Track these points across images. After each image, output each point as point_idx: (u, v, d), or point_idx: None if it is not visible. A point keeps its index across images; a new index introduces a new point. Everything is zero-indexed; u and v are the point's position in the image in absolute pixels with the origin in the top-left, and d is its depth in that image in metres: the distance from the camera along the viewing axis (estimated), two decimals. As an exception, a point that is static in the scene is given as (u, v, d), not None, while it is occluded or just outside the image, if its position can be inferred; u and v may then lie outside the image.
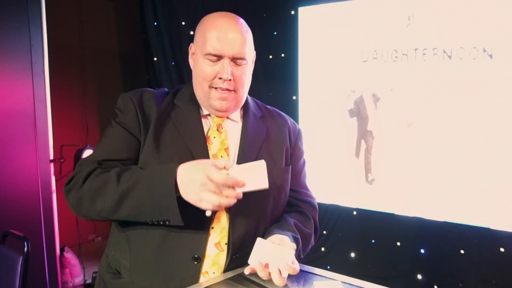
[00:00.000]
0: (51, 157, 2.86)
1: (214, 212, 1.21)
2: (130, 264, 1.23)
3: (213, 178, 1.05)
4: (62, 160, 3.22)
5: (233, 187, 1.08)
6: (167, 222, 1.11)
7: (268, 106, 1.45)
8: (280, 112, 1.46)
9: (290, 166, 1.38)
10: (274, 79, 3.52)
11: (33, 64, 2.74)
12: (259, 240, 1.15)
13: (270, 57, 3.54)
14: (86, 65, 4.20)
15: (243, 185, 1.08)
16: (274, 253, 1.12)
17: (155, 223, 1.13)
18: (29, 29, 2.71)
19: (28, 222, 2.71)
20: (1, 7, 2.60)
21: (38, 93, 2.75)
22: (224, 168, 1.10)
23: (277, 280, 1.10)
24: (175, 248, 1.19)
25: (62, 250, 3.25)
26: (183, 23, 3.74)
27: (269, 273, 1.11)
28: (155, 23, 3.86)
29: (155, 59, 3.88)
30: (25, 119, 2.72)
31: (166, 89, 1.36)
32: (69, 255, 3.34)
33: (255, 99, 1.44)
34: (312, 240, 1.39)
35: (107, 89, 4.38)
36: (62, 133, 3.64)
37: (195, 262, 1.19)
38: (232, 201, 1.07)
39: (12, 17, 2.65)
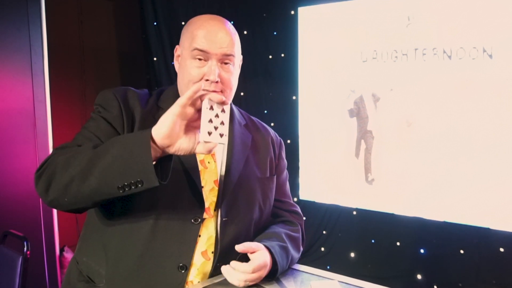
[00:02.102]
0: (51, 157, 2.85)
1: (201, 220, 1.19)
2: (107, 272, 1.17)
3: (181, 101, 1.01)
4: (62, 160, 3.21)
5: None
6: (139, 186, 0.99)
7: (251, 116, 1.44)
8: (262, 122, 1.45)
9: (275, 176, 1.38)
10: (274, 79, 3.52)
11: (33, 64, 2.73)
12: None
13: (270, 57, 3.53)
14: (86, 65, 4.19)
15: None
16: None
17: (126, 190, 1.00)
18: (28, 29, 2.71)
19: (28, 222, 2.70)
20: (1, 7, 2.60)
21: (37, 93, 2.75)
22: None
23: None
24: (160, 256, 1.15)
25: (61, 250, 3.24)
26: (183, 23, 3.72)
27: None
28: (155, 23, 3.86)
29: (154, 59, 3.88)
30: (25, 119, 2.72)
31: (147, 90, 1.31)
32: (69, 255, 3.34)
33: (238, 107, 1.41)
34: (301, 247, 1.39)
35: (107, 89, 4.37)
36: (62, 133, 3.64)
37: (182, 271, 1.16)
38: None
39: (12, 17, 2.65)
